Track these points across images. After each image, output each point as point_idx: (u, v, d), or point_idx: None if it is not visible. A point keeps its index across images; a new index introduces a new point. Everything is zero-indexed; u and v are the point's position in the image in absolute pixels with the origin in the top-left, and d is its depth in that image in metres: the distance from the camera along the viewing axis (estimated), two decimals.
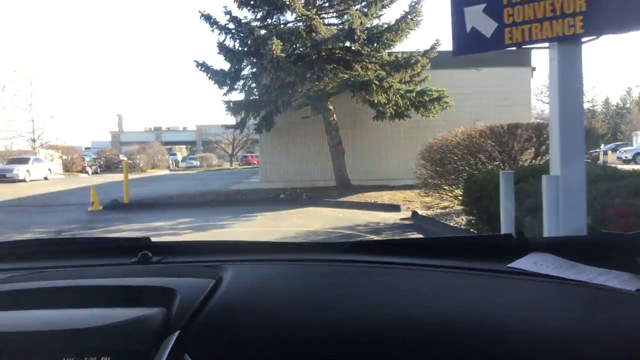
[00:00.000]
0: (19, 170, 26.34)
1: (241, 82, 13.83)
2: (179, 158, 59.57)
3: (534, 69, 18.39)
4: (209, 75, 13.36)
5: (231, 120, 15.40)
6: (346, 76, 12.49)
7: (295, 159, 16.12)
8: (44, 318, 0.89)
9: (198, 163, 52.84)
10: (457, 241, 1.49)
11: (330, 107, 13.60)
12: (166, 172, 40.77)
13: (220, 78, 13.30)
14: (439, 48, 13.66)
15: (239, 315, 0.87)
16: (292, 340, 0.79)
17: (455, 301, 0.92)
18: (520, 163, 7.76)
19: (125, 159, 42.20)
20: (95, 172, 38.01)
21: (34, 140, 34.28)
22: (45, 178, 28.87)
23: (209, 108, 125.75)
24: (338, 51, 13.56)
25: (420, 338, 0.77)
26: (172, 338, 0.80)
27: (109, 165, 41.32)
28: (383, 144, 16.38)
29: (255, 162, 49.43)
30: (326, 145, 14.38)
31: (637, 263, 0.97)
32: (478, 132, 7.92)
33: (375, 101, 12.94)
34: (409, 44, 65.17)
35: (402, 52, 14.00)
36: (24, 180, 26.19)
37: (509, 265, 1.07)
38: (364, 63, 13.70)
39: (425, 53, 13.36)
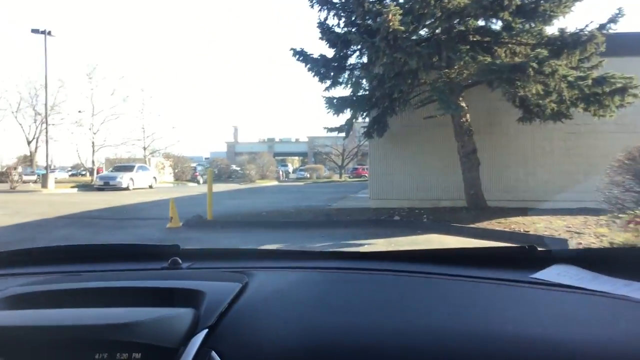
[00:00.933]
0: (123, 178, 25.89)
1: (347, 74, 11.04)
2: (290, 169, 59.16)
3: None
4: (307, 65, 10.73)
5: (338, 121, 12.51)
6: (488, 59, 9.15)
7: (413, 172, 12.84)
8: (79, 315, 0.92)
9: (307, 175, 51.85)
10: (481, 252, 1.43)
11: (463, 104, 10.30)
12: (274, 183, 39.85)
13: (321, 68, 10.60)
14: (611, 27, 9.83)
15: (263, 317, 0.93)
16: (311, 342, 0.82)
17: (477, 309, 0.94)
18: None
19: (235, 167, 42.47)
20: (206, 182, 37.77)
21: (144, 148, 34.60)
22: (150, 186, 28.44)
23: (320, 119, 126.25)
24: (472, 34, 10.28)
25: (441, 345, 0.79)
26: (200, 336, 0.84)
27: (220, 175, 41.49)
28: (529, 154, 12.59)
29: (366, 174, 47.42)
30: (454, 155, 11.08)
31: None
32: None
33: (532, 93, 9.42)
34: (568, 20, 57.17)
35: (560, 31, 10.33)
36: (127, 189, 25.72)
37: (532, 275, 1.09)
38: (511, 45, 10.24)
39: (602, 27, 9.57)
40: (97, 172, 29.92)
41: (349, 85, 11.16)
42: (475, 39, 10.33)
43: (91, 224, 11.40)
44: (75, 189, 25.62)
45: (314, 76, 10.89)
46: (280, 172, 48.53)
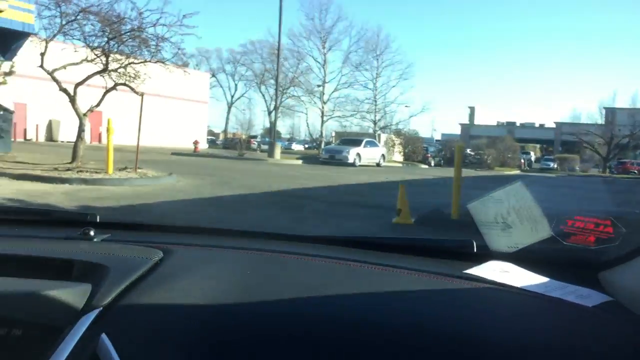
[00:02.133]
0: (349, 153, 23.83)
1: None
2: (533, 158, 51.76)
3: None
4: None
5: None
6: None
7: None
8: None
9: (555, 165, 44.28)
10: (417, 243, 1.37)
11: None
12: (517, 172, 34.50)
13: None
14: None
15: (167, 298, 0.83)
16: (216, 327, 0.76)
17: (400, 300, 0.91)
18: None
19: (470, 151, 37.73)
20: (437, 164, 34.44)
21: (374, 122, 32.37)
22: (378, 164, 25.98)
23: (571, 103, 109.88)
24: None
25: (352, 333, 0.76)
26: (91, 316, 0.76)
27: (451, 159, 37.60)
28: None
29: (636, 170, 38.94)
30: None
31: (598, 279, 0.96)
32: None
33: None
34: None
35: None
36: (352, 164, 23.53)
37: (465, 270, 1.05)
38: None
39: None
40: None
41: None
42: None
43: (296, 207, 8.69)
44: (300, 161, 24.58)
45: None
46: (522, 161, 42.38)
